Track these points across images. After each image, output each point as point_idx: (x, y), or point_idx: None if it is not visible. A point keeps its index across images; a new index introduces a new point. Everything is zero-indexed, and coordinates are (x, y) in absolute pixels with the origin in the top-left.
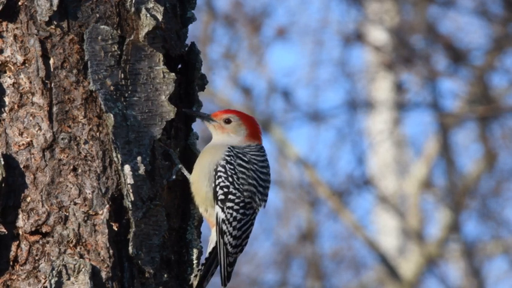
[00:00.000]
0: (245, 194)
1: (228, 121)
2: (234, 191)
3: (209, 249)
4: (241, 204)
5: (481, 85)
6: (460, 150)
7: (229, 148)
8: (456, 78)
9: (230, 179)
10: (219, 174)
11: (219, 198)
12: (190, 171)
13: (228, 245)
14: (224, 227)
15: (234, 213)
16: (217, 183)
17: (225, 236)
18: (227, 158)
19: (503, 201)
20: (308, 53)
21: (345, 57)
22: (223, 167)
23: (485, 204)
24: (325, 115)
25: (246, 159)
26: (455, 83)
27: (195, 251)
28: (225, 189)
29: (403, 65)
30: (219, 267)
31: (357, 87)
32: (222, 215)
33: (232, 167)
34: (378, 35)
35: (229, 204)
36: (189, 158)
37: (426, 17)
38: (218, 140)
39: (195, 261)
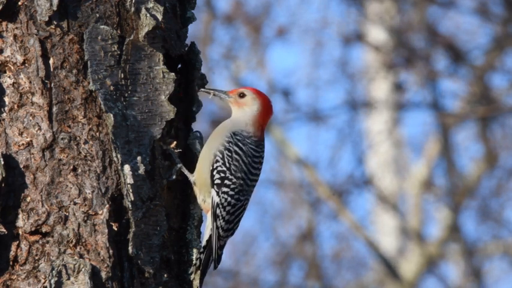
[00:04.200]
0: (238, 181)
1: (242, 95)
2: (230, 177)
3: (206, 236)
4: (236, 190)
5: (481, 85)
6: (461, 150)
7: (230, 134)
8: (456, 78)
9: (227, 165)
10: (216, 158)
11: (215, 182)
12: (190, 171)
13: (220, 228)
14: (218, 211)
15: (229, 198)
16: (214, 167)
17: (217, 219)
18: (226, 144)
19: (504, 202)
20: (308, 53)
21: (345, 58)
22: (221, 152)
23: (486, 205)
24: (325, 115)
25: (244, 149)
26: (455, 83)
27: (195, 251)
28: (222, 174)
29: (403, 65)
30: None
31: (357, 88)
32: (216, 199)
33: (230, 153)
34: (378, 35)
35: (224, 189)
36: (189, 158)
37: (426, 17)
38: (234, 116)
39: (195, 261)
